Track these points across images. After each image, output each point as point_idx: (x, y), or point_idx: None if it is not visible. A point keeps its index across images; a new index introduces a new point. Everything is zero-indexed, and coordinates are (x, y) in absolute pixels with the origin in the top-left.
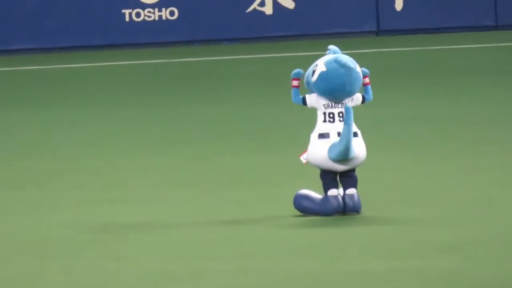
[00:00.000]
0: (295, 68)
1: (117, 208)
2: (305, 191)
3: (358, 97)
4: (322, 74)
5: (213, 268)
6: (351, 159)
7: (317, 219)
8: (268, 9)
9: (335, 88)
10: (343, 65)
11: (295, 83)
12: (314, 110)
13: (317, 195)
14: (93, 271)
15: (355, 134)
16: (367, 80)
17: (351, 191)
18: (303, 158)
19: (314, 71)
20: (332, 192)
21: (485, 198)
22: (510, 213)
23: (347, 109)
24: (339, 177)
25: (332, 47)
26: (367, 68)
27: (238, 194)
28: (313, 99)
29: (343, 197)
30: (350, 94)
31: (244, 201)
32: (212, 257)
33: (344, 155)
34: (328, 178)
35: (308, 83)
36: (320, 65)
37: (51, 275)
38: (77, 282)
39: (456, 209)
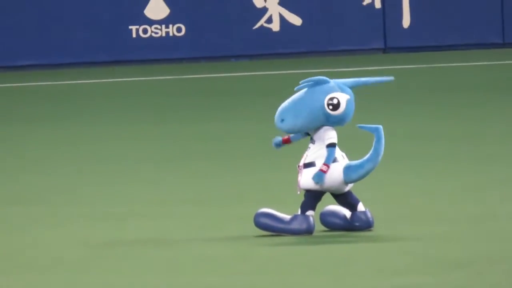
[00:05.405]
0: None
1: (122, 223)
2: (267, 209)
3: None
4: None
5: (219, 283)
6: None
7: (322, 235)
8: (275, 26)
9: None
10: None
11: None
12: None
13: (281, 214)
14: (97, 286)
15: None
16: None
17: (361, 207)
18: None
19: (337, 102)
20: (310, 212)
21: (490, 214)
22: None
23: (377, 128)
24: (339, 201)
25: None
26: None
27: (244, 210)
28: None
29: (356, 215)
30: None
31: (250, 217)
32: (218, 273)
33: (368, 174)
34: (315, 199)
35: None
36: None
37: None
38: None
39: (461, 226)
